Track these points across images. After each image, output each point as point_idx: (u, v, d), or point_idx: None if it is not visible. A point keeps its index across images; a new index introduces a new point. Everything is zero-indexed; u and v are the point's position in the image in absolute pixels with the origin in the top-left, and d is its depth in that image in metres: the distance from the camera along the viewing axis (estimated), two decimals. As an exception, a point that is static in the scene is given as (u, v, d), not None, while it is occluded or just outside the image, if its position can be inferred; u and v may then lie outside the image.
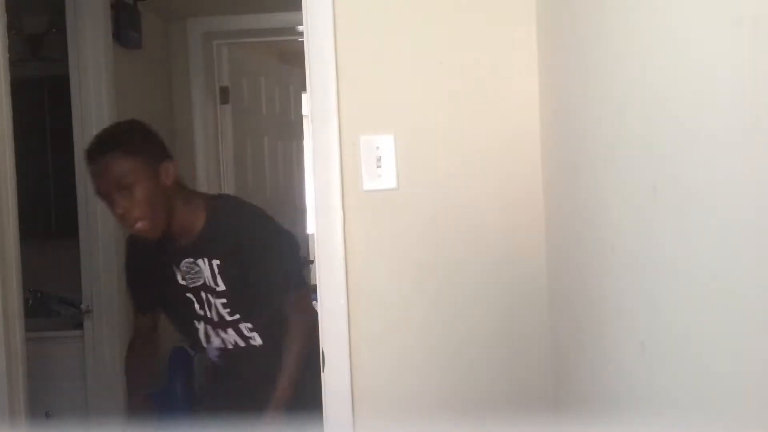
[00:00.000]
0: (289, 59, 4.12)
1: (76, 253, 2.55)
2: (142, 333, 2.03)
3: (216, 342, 1.90)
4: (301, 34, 1.58)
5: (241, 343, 1.88)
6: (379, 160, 1.52)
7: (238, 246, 1.81)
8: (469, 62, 1.54)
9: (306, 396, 1.71)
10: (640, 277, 1.01)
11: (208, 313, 1.86)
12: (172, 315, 1.99)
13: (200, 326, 1.89)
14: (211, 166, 3.29)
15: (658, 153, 0.92)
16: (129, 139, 1.78)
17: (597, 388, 1.25)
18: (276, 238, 1.91)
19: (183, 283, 1.86)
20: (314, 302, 1.70)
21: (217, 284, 1.82)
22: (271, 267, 1.86)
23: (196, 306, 1.87)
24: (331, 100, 1.51)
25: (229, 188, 3.33)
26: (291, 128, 4.03)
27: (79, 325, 2.58)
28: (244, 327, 1.87)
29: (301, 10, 1.54)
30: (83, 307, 2.55)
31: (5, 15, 1.77)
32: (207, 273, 1.82)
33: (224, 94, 3.36)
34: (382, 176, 1.52)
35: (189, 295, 1.86)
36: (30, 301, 2.62)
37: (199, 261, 1.82)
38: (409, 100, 1.54)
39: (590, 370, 1.29)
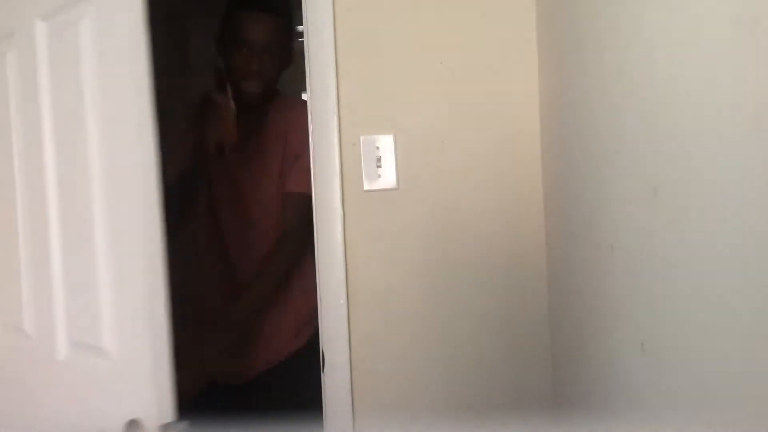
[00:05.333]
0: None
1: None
2: None
3: None
4: (301, 34, 1.58)
5: None
6: (379, 160, 1.52)
7: None
8: (469, 62, 1.54)
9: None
10: (640, 277, 1.01)
11: None
12: None
13: None
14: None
15: (658, 153, 0.92)
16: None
17: (597, 388, 1.25)
18: None
19: None
20: None
21: None
22: None
23: None
24: (331, 100, 1.51)
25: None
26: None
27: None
28: None
29: (300, 10, 1.54)
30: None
31: None
32: None
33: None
34: (382, 176, 1.53)
35: None
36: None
37: None
38: (409, 100, 1.54)
39: (590, 370, 1.29)
